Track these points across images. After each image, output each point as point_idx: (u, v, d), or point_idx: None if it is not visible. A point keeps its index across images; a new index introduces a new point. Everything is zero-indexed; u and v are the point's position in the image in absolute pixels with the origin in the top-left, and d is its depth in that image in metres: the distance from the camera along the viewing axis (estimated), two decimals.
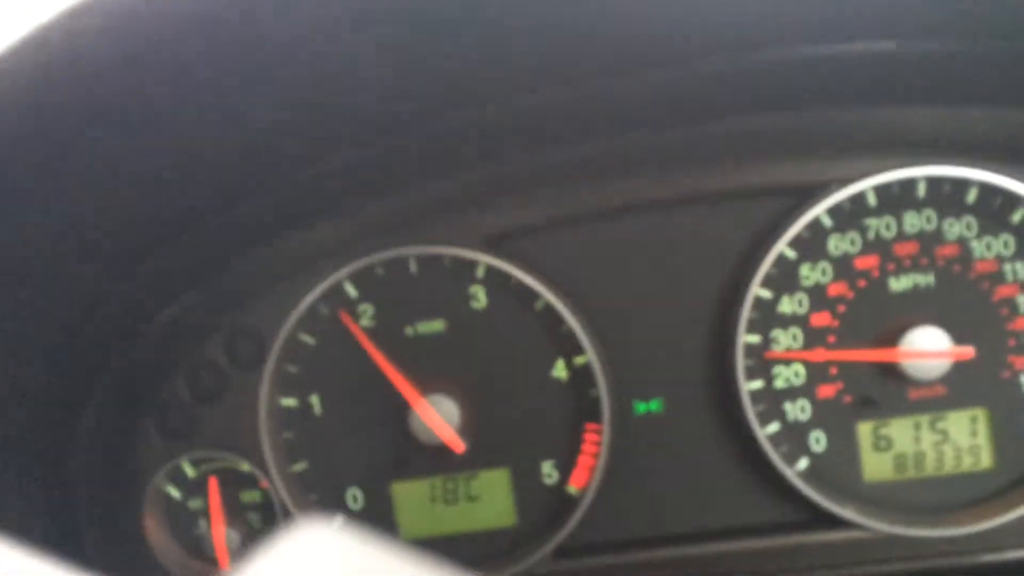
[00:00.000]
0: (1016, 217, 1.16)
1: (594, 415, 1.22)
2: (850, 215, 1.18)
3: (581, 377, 1.23)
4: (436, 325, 1.25)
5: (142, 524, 1.29)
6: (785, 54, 0.99)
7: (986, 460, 1.20)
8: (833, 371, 1.20)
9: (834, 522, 1.19)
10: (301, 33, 0.79)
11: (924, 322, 1.16)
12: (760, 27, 0.95)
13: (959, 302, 1.18)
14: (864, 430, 1.21)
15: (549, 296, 1.20)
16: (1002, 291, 1.17)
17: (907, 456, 1.20)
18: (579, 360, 1.22)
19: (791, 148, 1.18)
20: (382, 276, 1.24)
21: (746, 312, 1.18)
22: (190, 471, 1.29)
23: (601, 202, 1.22)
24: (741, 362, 1.19)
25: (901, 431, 1.20)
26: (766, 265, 1.17)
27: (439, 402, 1.23)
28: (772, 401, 1.21)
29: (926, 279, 1.18)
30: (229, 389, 1.27)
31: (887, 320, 1.18)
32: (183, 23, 0.66)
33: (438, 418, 1.22)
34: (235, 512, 1.29)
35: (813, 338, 1.20)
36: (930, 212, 1.18)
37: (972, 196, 1.16)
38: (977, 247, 1.18)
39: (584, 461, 1.24)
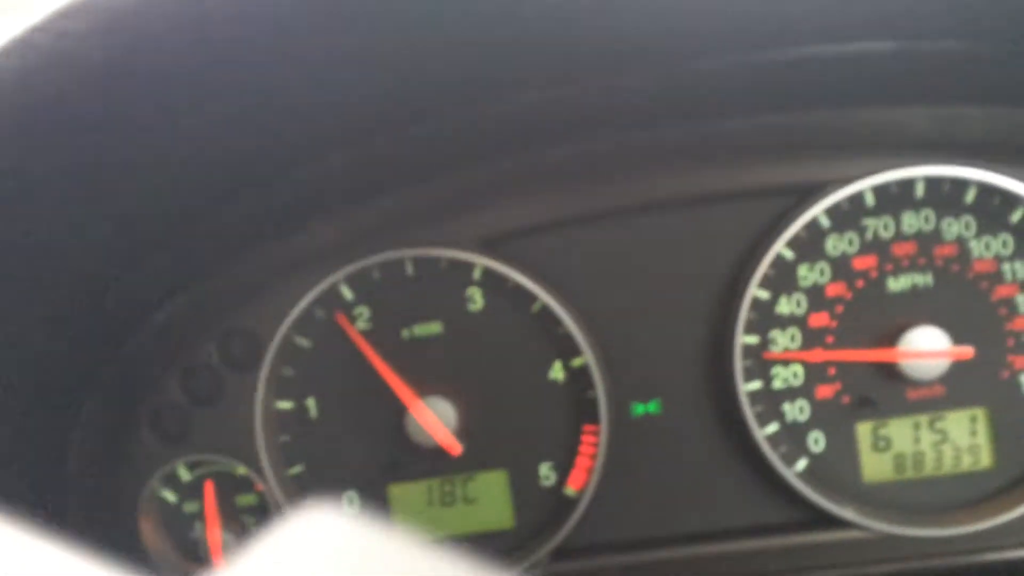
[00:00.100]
0: (1015, 217, 1.16)
1: (592, 416, 1.21)
2: (848, 215, 1.18)
3: (578, 378, 1.22)
4: (433, 327, 1.24)
5: (137, 528, 1.28)
6: (783, 54, 0.99)
7: (985, 460, 1.19)
8: (832, 371, 1.20)
9: (833, 522, 1.19)
10: (292, 34, 0.78)
11: (923, 322, 1.15)
12: (758, 27, 0.94)
13: (958, 302, 1.17)
14: (863, 430, 1.20)
15: (546, 298, 1.20)
16: (1001, 291, 1.17)
17: (906, 456, 1.20)
18: (576, 362, 1.22)
19: (789, 148, 1.18)
20: (378, 278, 1.24)
21: (744, 313, 1.17)
22: (185, 474, 1.28)
23: (598, 203, 1.21)
24: (739, 363, 1.18)
25: (900, 431, 1.20)
26: (764, 266, 1.17)
27: (436, 404, 1.22)
28: (770, 402, 1.21)
29: (924, 279, 1.18)
30: (224, 392, 1.26)
31: (886, 320, 1.18)
32: (171, 25, 0.65)
33: (435, 420, 1.21)
34: (231, 516, 1.29)
35: (811, 339, 1.20)
36: (928, 212, 1.18)
37: (970, 196, 1.16)
38: (976, 247, 1.17)
39: (582, 462, 1.24)
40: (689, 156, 1.20)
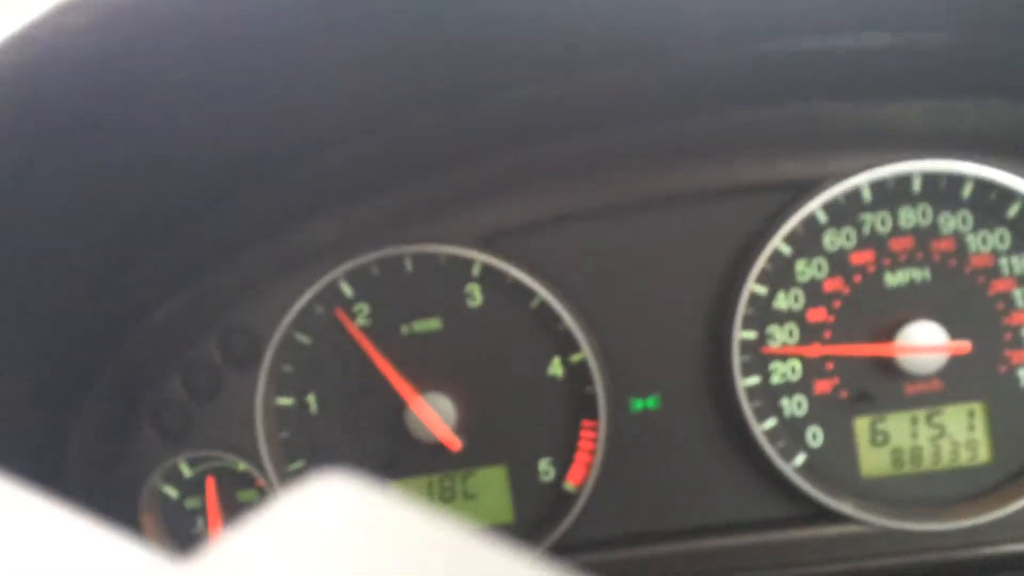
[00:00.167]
0: (1012, 211, 1.16)
1: (591, 412, 1.22)
2: (845, 210, 1.18)
3: (577, 374, 1.22)
4: (432, 324, 1.25)
5: (139, 524, 1.28)
6: (778, 48, 0.99)
7: (983, 454, 1.19)
8: (829, 366, 1.20)
9: (832, 517, 1.19)
10: (290, 32, 0.79)
11: (920, 317, 1.16)
12: (753, 21, 0.95)
13: (955, 297, 1.17)
14: (861, 425, 1.20)
15: (545, 294, 1.20)
16: (998, 285, 1.17)
17: (904, 451, 1.20)
18: (575, 357, 1.22)
19: (785, 143, 1.18)
20: (377, 275, 1.24)
21: (742, 308, 1.18)
22: (187, 470, 1.28)
23: (596, 199, 1.22)
24: (737, 358, 1.18)
25: (898, 426, 1.20)
26: (761, 261, 1.17)
27: (435, 400, 1.22)
28: (768, 397, 1.21)
29: (922, 274, 1.18)
30: (225, 388, 1.26)
31: (883, 315, 1.18)
32: (169, 23, 0.66)
33: (434, 416, 1.22)
34: (232, 511, 1.29)
35: (809, 334, 1.20)
36: (925, 207, 1.18)
37: (967, 190, 1.16)
38: (973, 241, 1.18)
39: (581, 458, 1.24)
40: (686, 152, 1.20)
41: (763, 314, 1.20)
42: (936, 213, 1.18)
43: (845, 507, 1.18)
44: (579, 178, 1.21)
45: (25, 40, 0.60)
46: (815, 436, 1.21)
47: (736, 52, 0.98)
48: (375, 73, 0.93)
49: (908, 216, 1.18)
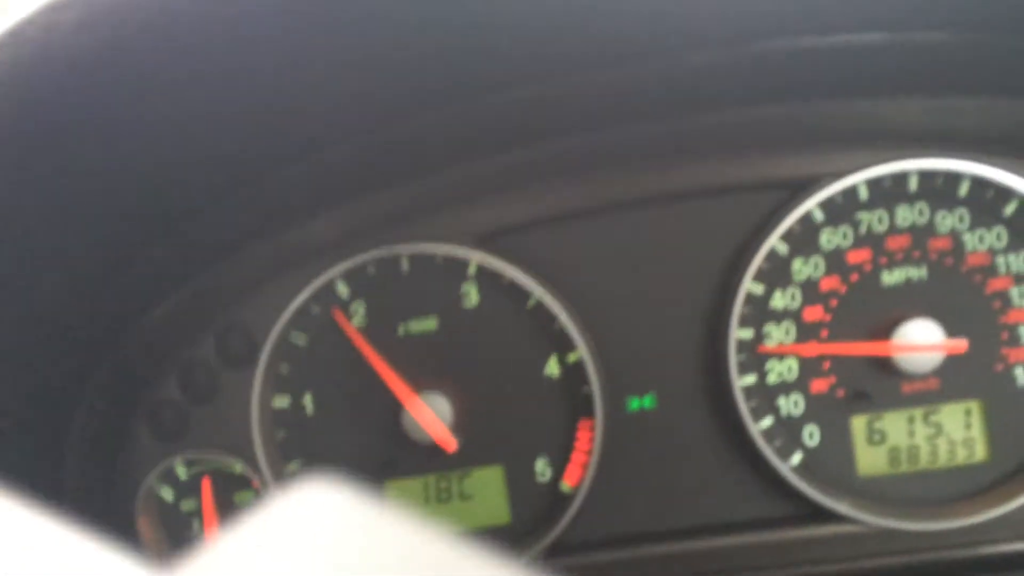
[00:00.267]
0: (1008, 210, 1.16)
1: (587, 412, 1.22)
2: (842, 209, 1.18)
3: (574, 374, 1.22)
4: (428, 323, 1.25)
5: (135, 525, 1.28)
6: (774, 47, 0.99)
7: (980, 453, 1.19)
8: (826, 365, 1.20)
9: (828, 516, 1.19)
10: (286, 29, 0.79)
11: (917, 315, 1.15)
12: (749, 20, 0.94)
13: (952, 295, 1.17)
14: (858, 424, 1.20)
15: (541, 293, 1.20)
16: (995, 284, 1.17)
17: (901, 450, 1.20)
18: (572, 357, 1.22)
19: (782, 142, 1.18)
20: (374, 275, 1.24)
21: (738, 307, 1.18)
22: (183, 472, 1.28)
23: (592, 198, 1.21)
24: (734, 357, 1.18)
25: (895, 425, 1.20)
26: (758, 260, 1.17)
27: (432, 400, 1.22)
28: (765, 396, 1.21)
29: (919, 272, 1.18)
30: (221, 389, 1.26)
31: (880, 314, 1.18)
32: (161, 20, 0.66)
33: (431, 416, 1.21)
34: (229, 513, 1.29)
35: (806, 332, 1.20)
36: (922, 205, 1.18)
37: (964, 189, 1.16)
38: (969, 240, 1.17)
39: (577, 458, 1.24)
40: (683, 151, 1.20)
41: (760, 313, 1.20)
42: (933, 211, 1.18)
43: (842, 506, 1.18)
44: (575, 177, 1.21)
45: (17, 38, 0.60)
46: (812, 435, 1.21)
47: (732, 51, 0.98)
48: (372, 72, 0.92)
49: (905, 215, 1.18)
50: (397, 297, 1.25)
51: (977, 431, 1.19)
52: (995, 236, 1.17)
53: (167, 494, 1.29)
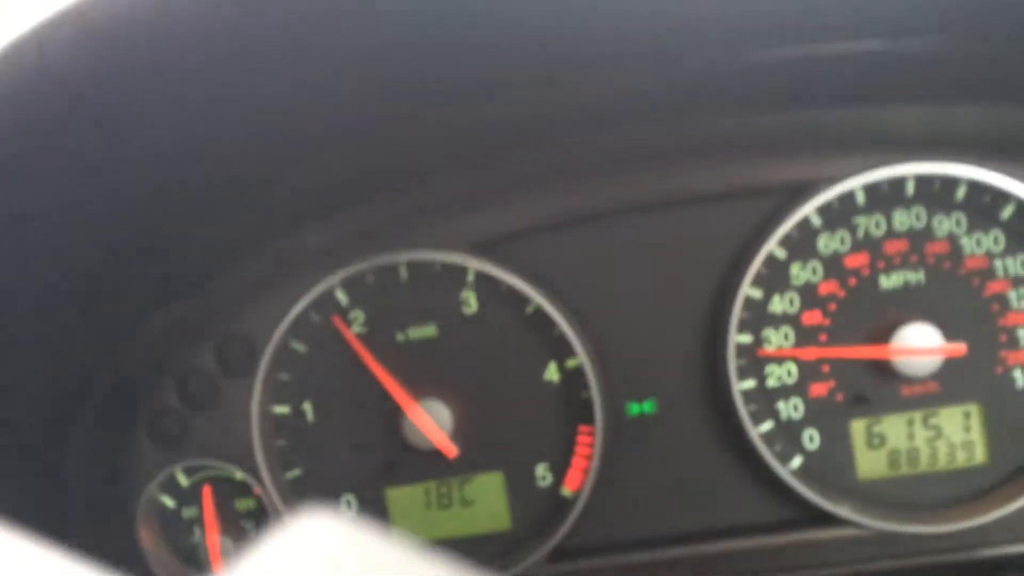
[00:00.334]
0: (1005, 213, 1.16)
1: (587, 417, 1.22)
2: (839, 214, 1.18)
3: (573, 379, 1.22)
4: (428, 330, 1.25)
5: (137, 534, 1.28)
6: (772, 53, 0.99)
7: (980, 455, 1.20)
8: (825, 369, 1.20)
9: (829, 520, 1.19)
10: (283, 38, 0.79)
11: (915, 319, 1.16)
12: (748, 26, 0.95)
13: (950, 299, 1.18)
14: (857, 427, 1.21)
15: (540, 299, 1.20)
16: (992, 287, 1.17)
17: (901, 453, 1.20)
18: (571, 362, 1.22)
19: (779, 148, 1.18)
20: (373, 282, 1.24)
21: (737, 312, 1.18)
22: (183, 480, 1.28)
23: (590, 204, 1.22)
24: (733, 362, 1.18)
25: (894, 428, 1.20)
26: (756, 265, 1.17)
27: (432, 407, 1.22)
28: (765, 400, 1.21)
29: (916, 276, 1.18)
30: (221, 397, 1.26)
31: (878, 317, 1.18)
32: (158, 34, 0.66)
33: (431, 423, 1.22)
34: (230, 520, 1.29)
35: (805, 337, 1.20)
36: (919, 209, 1.18)
37: (961, 193, 1.16)
38: (967, 243, 1.18)
39: (578, 463, 1.24)
40: (680, 156, 1.20)
41: (758, 317, 1.20)
42: (930, 215, 1.18)
43: (842, 510, 1.18)
44: (572, 183, 1.21)
45: (12, 56, 0.60)
46: (812, 439, 1.21)
47: (730, 57, 0.99)
48: (370, 80, 0.93)
49: (902, 219, 1.18)
50: (396, 304, 1.25)
51: (976, 434, 1.19)
52: (992, 239, 1.17)
53: (168, 502, 1.29)
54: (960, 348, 1.15)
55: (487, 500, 1.26)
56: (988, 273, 1.17)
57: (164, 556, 1.30)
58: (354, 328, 1.25)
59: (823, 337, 1.20)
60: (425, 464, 1.25)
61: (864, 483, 1.21)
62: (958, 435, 1.19)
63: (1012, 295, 1.17)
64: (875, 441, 1.20)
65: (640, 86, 1.05)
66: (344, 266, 1.22)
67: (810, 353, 1.20)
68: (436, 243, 1.22)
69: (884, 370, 1.17)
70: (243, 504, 1.29)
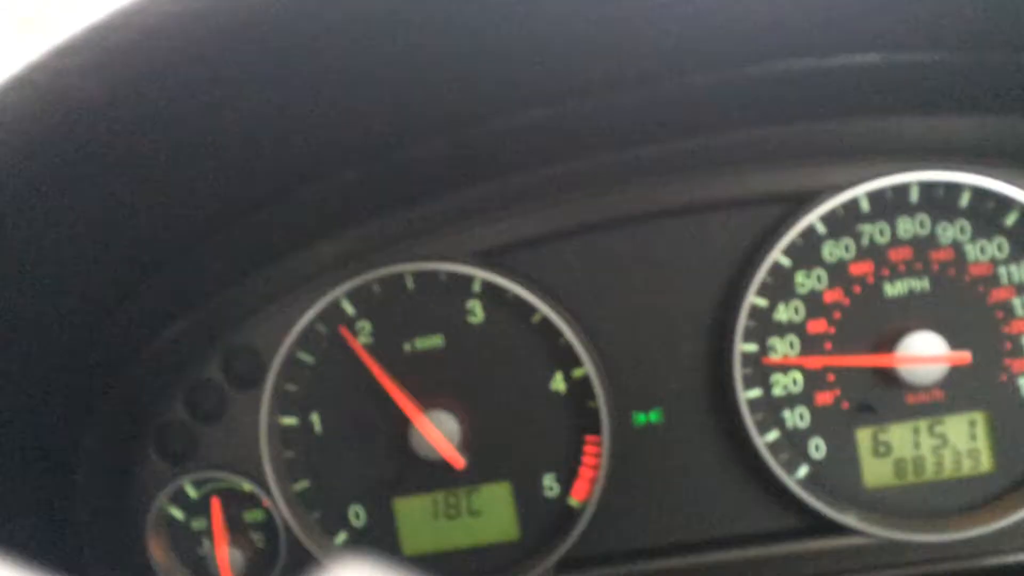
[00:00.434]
0: (1009, 220, 1.17)
1: (593, 427, 1.22)
2: (844, 222, 1.18)
3: (580, 389, 1.23)
4: (434, 341, 1.25)
5: (146, 546, 1.29)
6: (776, 67, 1.00)
7: (986, 463, 1.20)
8: (831, 378, 1.20)
9: (835, 529, 1.19)
10: (289, 61, 0.79)
11: (920, 327, 1.16)
12: (752, 43, 0.95)
13: (954, 306, 1.18)
14: (863, 436, 1.21)
15: (546, 309, 1.21)
16: (997, 294, 1.18)
17: (907, 461, 1.20)
18: (577, 372, 1.23)
19: (784, 156, 1.19)
20: (379, 293, 1.25)
21: (742, 321, 1.18)
22: (192, 492, 1.29)
23: (596, 214, 1.22)
24: (739, 371, 1.19)
25: (900, 436, 1.20)
26: (761, 273, 1.17)
27: (439, 418, 1.23)
28: (771, 409, 1.21)
29: (921, 284, 1.18)
30: (229, 409, 1.27)
31: (883, 326, 1.18)
32: (169, 59, 0.67)
33: (438, 434, 1.22)
34: (238, 532, 1.30)
35: (810, 345, 1.20)
36: (923, 217, 1.18)
37: (965, 200, 1.17)
38: (971, 251, 1.18)
39: (585, 473, 1.24)
40: (685, 166, 1.21)
41: (764, 326, 1.20)
42: (934, 223, 1.18)
43: (848, 519, 1.18)
44: (578, 193, 1.22)
45: (24, 82, 0.61)
46: (817, 448, 1.21)
47: (735, 72, 0.99)
48: (378, 96, 0.93)
49: (906, 226, 1.19)
50: (403, 315, 1.25)
51: (982, 442, 1.19)
52: (996, 247, 1.18)
53: (177, 514, 1.30)
54: (965, 356, 1.16)
55: (495, 510, 1.26)
56: (992, 280, 1.18)
57: (173, 568, 1.30)
58: (361, 339, 1.26)
59: (828, 345, 1.20)
60: (433, 474, 1.25)
61: (870, 492, 1.21)
62: (964, 443, 1.20)
63: (1016, 302, 1.18)
64: (881, 449, 1.21)
65: (645, 100, 1.05)
66: (351, 277, 1.22)
67: (815, 362, 1.20)
68: (442, 253, 1.23)
69: (889, 378, 1.17)
70: (252, 515, 1.29)
